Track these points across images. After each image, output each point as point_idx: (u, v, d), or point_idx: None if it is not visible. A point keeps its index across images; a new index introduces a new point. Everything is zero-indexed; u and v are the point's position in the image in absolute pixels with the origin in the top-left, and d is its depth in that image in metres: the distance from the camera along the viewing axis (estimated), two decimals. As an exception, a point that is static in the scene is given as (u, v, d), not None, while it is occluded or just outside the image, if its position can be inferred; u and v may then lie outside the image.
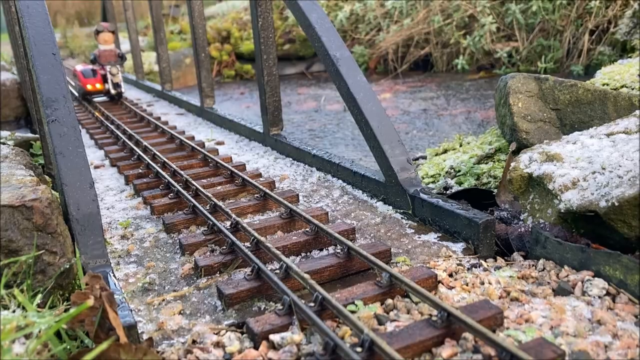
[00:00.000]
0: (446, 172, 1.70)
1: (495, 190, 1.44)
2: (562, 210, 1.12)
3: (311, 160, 1.85)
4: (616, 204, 1.01)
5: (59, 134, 1.22)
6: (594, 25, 4.08)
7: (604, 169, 1.11)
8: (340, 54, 1.58)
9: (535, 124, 1.58)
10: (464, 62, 4.78)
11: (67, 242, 1.05)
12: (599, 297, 0.93)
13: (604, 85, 1.88)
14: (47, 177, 1.61)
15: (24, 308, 0.90)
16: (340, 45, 1.60)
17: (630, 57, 2.57)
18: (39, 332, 0.82)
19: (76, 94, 3.62)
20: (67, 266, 1.02)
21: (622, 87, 1.83)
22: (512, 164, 1.32)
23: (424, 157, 2.00)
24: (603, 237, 1.08)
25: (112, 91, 3.34)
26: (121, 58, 3.40)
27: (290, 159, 1.98)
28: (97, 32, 3.33)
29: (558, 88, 1.60)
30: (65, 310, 0.94)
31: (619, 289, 0.94)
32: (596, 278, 0.97)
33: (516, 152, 1.56)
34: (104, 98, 3.66)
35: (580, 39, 4.17)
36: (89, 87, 3.33)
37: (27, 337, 0.81)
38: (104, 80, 3.36)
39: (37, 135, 2.09)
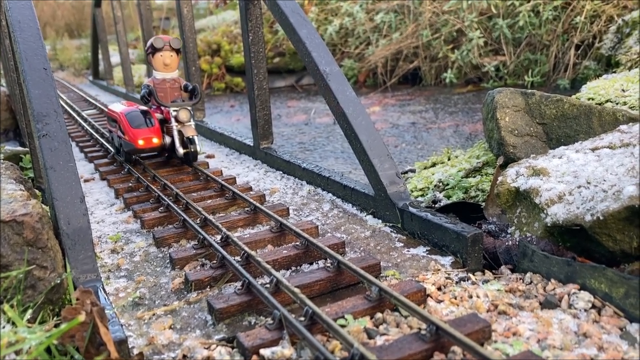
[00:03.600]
0: (435, 186, 1.72)
1: (483, 204, 1.45)
2: (549, 224, 1.14)
3: (301, 174, 1.86)
4: (601, 218, 1.03)
5: (49, 149, 1.22)
6: (579, 40, 4.14)
7: (589, 183, 1.13)
8: (329, 69, 1.60)
9: (522, 138, 1.60)
10: (452, 76, 4.82)
11: (57, 257, 1.05)
12: (585, 310, 0.95)
13: (589, 100, 1.91)
14: (37, 191, 1.61)
15: (14, 324, 0.90)
16: (330, 61, 1.62)
17: (614, 71, 2.62)
18: (29, 348, 0.82)
19: (112, 148, 2.32)
20: (58, 281, 1.02)
21: (606, 101, 1.86)
22: (500, 178, 1.33)
23: (413, 171, 2.02)
24: (589, 250, 1.10)
25: (180, 150, 1.95)
26: (192, 93, 2.02)
27: (281, 172, 1.99)
28: (153, 50, 1.99)
29: (544, 103, 1.63)
30: (56, 326, 0.94)
31: (605, 302, 0.95)
32: (582, 291, 0.98)
33: (504, 166, 1.57)
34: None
35: (566, 54, 4.22)
36: (141, 142, 1.95)
37: (17, 353, 0.81)
38: (163, 129, 2.03)
39: (27, 149, 2.09)
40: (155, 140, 1.95)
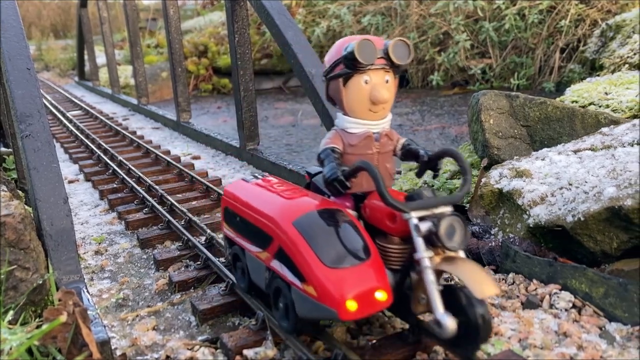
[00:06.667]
0: (420, 187, 1.73)
1: (467, 205, 1.46)
2: (531, 225, 1.15)
3: (287, 175, 1.86)
4: (582, 219, 1.04)
5: (33, 149, 1.21)
6: (564, 43, 4.18)
7: (570, 184, 1.14)
8: (315, 71, 1.60)
9: (506, 140, 1.61)
10: (438, 78, 4.85)
11: (40, 258, 1.05)
12: (566, 309, 0.96)
13: (573, 102, 1.93)
14: (20, 192, 1.60)
15: (-5, 325, 0.89)
16: (316, 62, 1.62)
17: (598, 75, 2.64)
18: (10, 349, 0.81)
19: (234, 279, 1.07)
20: (40, 282, 1.01)
21: (590, 104, 1.88)
22: (483, 180, 1.34)
23: (399, 172, 2.03)
24: (570, 251, 1.11)
25: (445, 321, 0.73)
26: (434, 165, 0.93)
27: (267, 173, 1.99)
28: (350, 68, 0.86)
29: (528, 105, 1.64)
30: (38, 327, 0.93)
31: (585, 302, 0.96)
32: (563, 291, 1.00)
33: (488, 168, 1.59)
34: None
35: (551, 57, 4.26)
36: (353, 305, 0.74)
37: (-2, 354, 0.81)
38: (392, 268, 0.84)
39: (10, 150, 2.07)
40: (382, 296, 0.77)
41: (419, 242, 0.77)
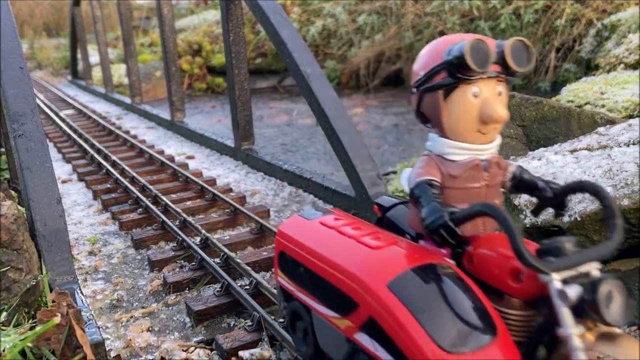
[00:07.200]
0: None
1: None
2: (528, 225, 1.15)
3: (282, 175, 1.85)
4: (579, 219, 1.04)
5: (26, 149, 1.20)
6: (559, 43, 4.19)
7: (567, 184, 1.14)
8: (311, 70, 1.59)
9: (502, 140, 1.61)
10: (433, 78, 4.85)
11: (33, 259, 1.04)
12: (563, 310, 0.95)
13: (568, 102, 1.93)
14: (13, 192, 1.59)
15: (-13, 327, 0.88)
16: (311, 62, 1.62)
17: (594, 74, 2.65)
18: (3, 351, 0.80)
19: (293, 341, 0.82)
20: (33, 283, 1.00)
21: (585, 104, 1.88)
22: (480, 180, 1.34)
23: (395, 172, 2.02)
24: (567, 251, 1.11)
25: None
26: (560, 202, 0.69)
27: (262, 173, 1.98)
28: (456, 75, 0.64)
29: (524, 105, 1.64)
30: (31, 328, 0.92)
31: (582, 303, 0.96)
32: (560, 292, 0.99)
33: (484, 168, 1.58)
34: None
35: (547, 57, 4.27)
36: None
37: (-10, 356, 0.80)
38: None
39: (3, 149, 2.05)
40: None
41: (566, 314, 0.55)
